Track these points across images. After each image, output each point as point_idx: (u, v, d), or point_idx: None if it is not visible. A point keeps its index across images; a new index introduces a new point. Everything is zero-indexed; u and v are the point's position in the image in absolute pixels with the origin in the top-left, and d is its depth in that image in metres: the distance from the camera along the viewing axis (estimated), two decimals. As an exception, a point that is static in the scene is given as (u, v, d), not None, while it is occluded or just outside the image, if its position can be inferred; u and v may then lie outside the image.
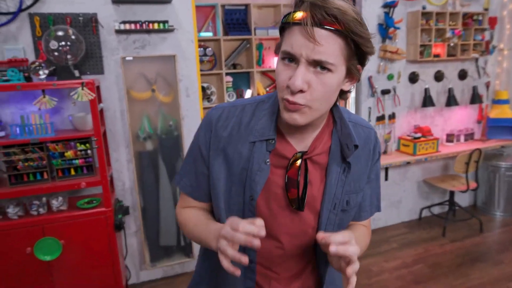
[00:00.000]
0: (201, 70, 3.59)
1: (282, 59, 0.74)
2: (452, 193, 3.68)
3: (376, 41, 3.33)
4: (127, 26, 2.49)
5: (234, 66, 3.76)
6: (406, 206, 3.81)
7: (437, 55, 3.47)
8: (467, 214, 3.82)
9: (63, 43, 2.26)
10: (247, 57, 3.83)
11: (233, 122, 0.87)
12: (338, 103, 0.89)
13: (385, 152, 3.49)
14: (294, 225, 0.87)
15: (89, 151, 2.33)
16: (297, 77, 0.70)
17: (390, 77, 3.41)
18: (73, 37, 2.30)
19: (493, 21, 3.70)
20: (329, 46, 0.68)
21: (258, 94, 3.84)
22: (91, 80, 2.20)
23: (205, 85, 3.65)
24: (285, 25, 0.74)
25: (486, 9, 3.67)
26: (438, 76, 3.65)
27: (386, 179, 3.59)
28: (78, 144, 2.30)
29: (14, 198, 2.29)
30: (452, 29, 3.45)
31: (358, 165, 0.90)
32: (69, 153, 2.29)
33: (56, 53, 2.27)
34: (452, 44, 3.50)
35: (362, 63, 0.78)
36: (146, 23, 2.51)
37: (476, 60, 3.80)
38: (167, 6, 2.63)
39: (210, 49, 3.60)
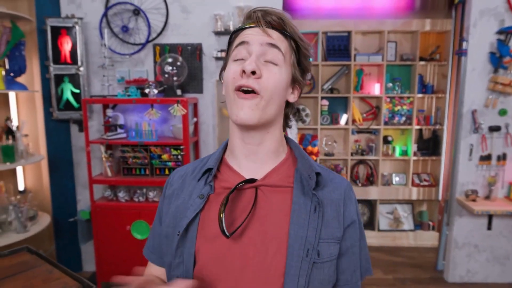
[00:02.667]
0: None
1: (235, 60, 0.76)
2: None
3: (486, 71, 2.98)
4: (224, 54, 2.93)
5: (332, 90, 3.86)
6: (518, 264, 3.22)
7: None
8: None
9: (171, 68, 2.83)
10: (346, 83, 3.89)
11: (189, 170, 0.89)
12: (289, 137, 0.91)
13: (488, 197, 3.06)
14: (252, 271, 0.74)
15: (179, 156, 2.83)
16: (251, 60, 0.72)
17: (502, 113, 2.98)
18: (178, 63, 2.85)
19: None
20: (277, 43, 0.76)
21: (354, 120, 3.85)
22: (185, 98, 2.69)
23: (300, 107, 3.87)
24: (236, 33, 0.79)
25: None
26: None
27: (489, 228, 3.12)
28: (172, 150, 2.83)
29: (124, 185, 2.96)
30: None
31: (329, 207, 0.79)
32: (165, 156, 2.83)
33: (166, 75, 2.86)
34: None
35: (303, 76, 0.82)
36: (239, 51, 2.91)
37: None
38: (259, 36, 2.98)
39: (309, 73, 3.80)
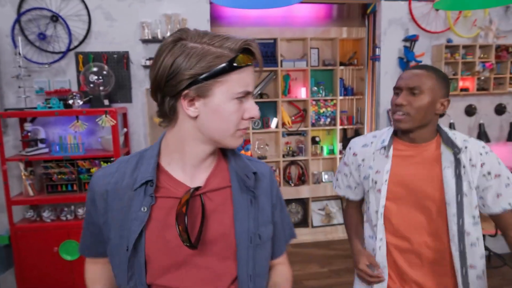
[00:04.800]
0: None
1: (237, 98, 0.78)
2: (483, 237, 3.42)
3: (397, 74, 3.32)
4: (150, 63, 2.87)
5: (261, 95, 3.99)
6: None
7: (465, 89, 3.33)
8: (501, 261, 3.49)
9: (96, 77, 2.71)
10: (274, 87, 4.04)
11: (116, 176, 0.86)
12: None
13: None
14: (204, 271, 0.83)
15: (110, 169, 2.71)
16: (256, 107, 0.82)
17: (411, 111, 3.35)
18: (104, 72, 2.73)
19: (536, 53, 3.45)
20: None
21: (284, 123, 4.01)
22: (113, 109, 2.59)
23: (232, 112, 3.92)
24: (234, 66, 0.76)
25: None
26: (469, 111, 3.48)
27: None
28: (102, 162, 2.70)
29: (49, 204, 2.75)
30: (483, 62, 3.31)
31: (262, 196, 0.91)
32: (94, 169, 2.69)
33: (91, 85, 2.72)
34: (482, 78, 3.34)
35: None
36: (168, 59, 2.88)
37: (517, 94, 3.55)
38: (188, 44, 2.98)
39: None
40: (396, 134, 1.32)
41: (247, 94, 0.80)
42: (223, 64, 0.75)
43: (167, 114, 0.81)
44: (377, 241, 1.30)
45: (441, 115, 1.29)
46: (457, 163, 1.20)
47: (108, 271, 0.95)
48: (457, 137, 1.26)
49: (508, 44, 3.38)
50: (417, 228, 1.25)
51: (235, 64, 0.75)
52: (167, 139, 0.86)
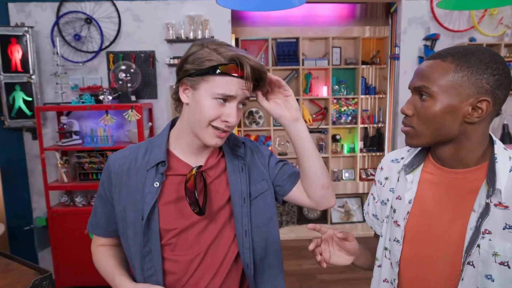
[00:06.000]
0: (252, 97, 4.02)
1: (215, 98, 0.91)
2: None
3: (416, 73, 3.31)
4: (176, 61, 3.07)
5: (283, 93, 4.09)
6: None
7: (489, 89, 3.26)
8: None
9: (124, 74, 2.93)
10: (295, 86, 4.13)
11: (130, 159, 1.02)
12: None
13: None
14: (209, 232, 0.99)
15: (135, 160, 2.92)
16: (235, 115, 0.92)
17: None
18: (132, 70, 2.95)
19: None
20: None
21: (304, 120, 4.09)
22: (139, 104, 2.80)
23: (254, 109, 4.06)
24: (217, 70, 0.90)
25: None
26: (493, 111, 3.40)
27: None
28: (128, 154, 2.91)
29: (81, 190, 3.01)
30: (509, 61, 3.22)
31: (252, 160, 1.07)
32: (121, 160, 2.91)
33: (120, 82, 2.95)
34: (508, 78, 3.25)
35: None
36: (191, 58, 3.06)
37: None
38: (210, 44, 3.14)
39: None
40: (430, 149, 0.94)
41: (228, 98, 0.91)
42: (208, 66, 0.90)
43: (174, 97, 1.00)
44: None
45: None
46: (485, 209, 0.79)
47: (117, 251, 1.10)
48: (506, 165, 0.81)
49: (536, 43, 3.27)
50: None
51: (218, 71, 0.89)
52: (175, 129, 1.04)
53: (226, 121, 0.92)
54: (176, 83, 0.98)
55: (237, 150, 1.06)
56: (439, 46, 3.24)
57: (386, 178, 1.01)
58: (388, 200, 0.99)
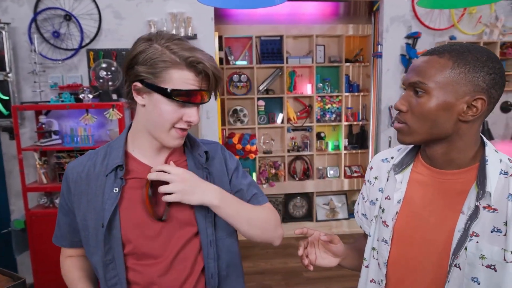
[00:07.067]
0: (235, 94, 4.00)
1: (175, 100, 0.87)
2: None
3: (399, 71, 3.35)
4: (159, 59, 3.01)
5: (267, 91, 4.08)
6: None
7: (469, 86, 3.32)
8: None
9: (105, 73, 2.86)
10: (280, 84, 4.12)
11: (88, 165, 0.98)
12: None
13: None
14: (175, 242, 0.95)
15: (117, 160, 2.87)
16: (197, 114, 0.91)
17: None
18: (113, 68, 2.89)
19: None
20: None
21: (289, 118, 4.09)
22: (120, 103, 2.74)
23: (238, 108, 4.04)
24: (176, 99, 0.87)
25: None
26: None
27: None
28: (110, 153, 2.85)
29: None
30: (487, 59, 3.29)
31: (217, 170, 1.03)
32: (103, 160, 2.85)
33: (101, 80, 2.88)
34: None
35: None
36: (174, 56, 3.02)
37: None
38: (193, 41, 3.11)
39: (244, 75, 3.98)
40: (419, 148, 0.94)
41: (185, 100, 0.88)
42: (163, 88, 0.86)
43: (127, 96, 0.94)
44: None
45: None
46: (474, 212, 0.79)
47: (84, 263, 1.06)
48: (497, 168, 0.80)
49: (513, 41, 3.35)
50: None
51: (175, 98, 0.86)
52: (132, 130, 0.99)
53: (189, 121, 0.90)
54: (126, 82, 0.91)
55: (199, 158, 1.01)
56: (420, 44, 3.29)
57: (376, 178, 1.01)
58: (377, 200, 0.98)
